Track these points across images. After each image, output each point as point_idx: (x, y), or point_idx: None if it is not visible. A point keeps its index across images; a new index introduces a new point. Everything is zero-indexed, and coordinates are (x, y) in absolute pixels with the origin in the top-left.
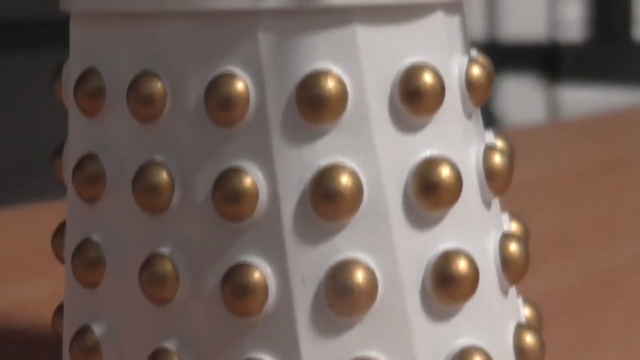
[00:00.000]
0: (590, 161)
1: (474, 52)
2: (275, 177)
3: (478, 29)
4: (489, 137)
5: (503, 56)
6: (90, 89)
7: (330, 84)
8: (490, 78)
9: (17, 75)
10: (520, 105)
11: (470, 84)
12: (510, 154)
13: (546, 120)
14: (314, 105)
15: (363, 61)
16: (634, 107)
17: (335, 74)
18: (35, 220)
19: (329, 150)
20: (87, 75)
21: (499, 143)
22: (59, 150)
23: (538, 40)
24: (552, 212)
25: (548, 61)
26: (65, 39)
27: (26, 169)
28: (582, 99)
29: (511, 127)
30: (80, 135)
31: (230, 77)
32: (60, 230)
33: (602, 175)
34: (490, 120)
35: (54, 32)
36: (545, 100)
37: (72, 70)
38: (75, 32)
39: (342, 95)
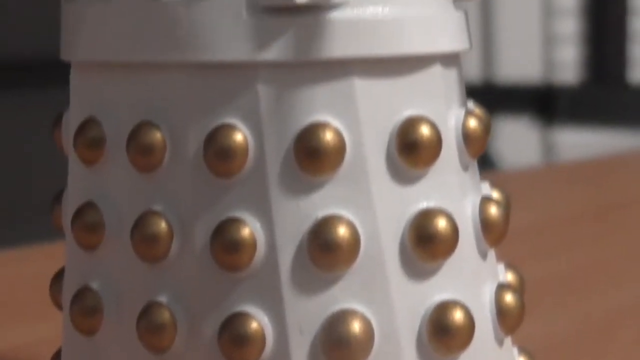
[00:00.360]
0: (585, 205)
1: (470, 104)
2: (273, 228)
3: (474, 70)
4: (485, 188)
5: (498, 98)
6: (90, 139)
7: (328, 136)
8: (487, 130)
9: (14, 116)
10: (515, 147)
11: (466, 137)
12: (507, 205)
13: (542, 162)
14: (312, 157)
15: (361, 113)
16: (628, 151)
17: (334, 126)
18: (35, 262)
19: (326, 201)
20: (87, 124)
21: (495, 194)
22: (58, 197)
23: (533, 82)
24: (547, 257)
25: (543, 103)
26: (64, 80)
27: (25, 210)
28: (578, 141)
29: (507, 170)
30: (80, 183)
31: (230, 128)
32: (58, 276)
33: (596, 219)
34: (486, 161)
35: (55, 73)
36: (540, 142)
37: (72, 119)
38: (76, 80)
39: (340, 148)
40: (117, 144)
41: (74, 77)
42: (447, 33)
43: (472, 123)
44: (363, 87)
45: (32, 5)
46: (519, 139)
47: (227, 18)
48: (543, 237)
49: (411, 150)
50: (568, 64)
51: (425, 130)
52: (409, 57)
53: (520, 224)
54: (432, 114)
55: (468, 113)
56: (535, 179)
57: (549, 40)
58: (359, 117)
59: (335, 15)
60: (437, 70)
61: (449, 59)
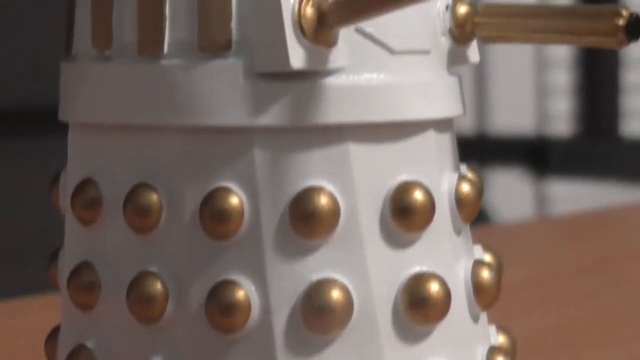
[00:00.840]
0: (579, 260)
1: (463, 168)
2: (267, 291)
3: (467, 122)
4: (478, 251)
5: (491, 150)
6: (88, 199)
7: (323, 201)
8: (480, 194)
9: (11, 163)
10: (508, 199)
11: (459, 201)
12: (499, 268)
13: (535, 214)
14: (307, 221)
15: (355, 178)
16: (621, 205)
17: (328, 190)
18: (31, 314)
19: (320, 265)
20: (85, 185)
21: (488, 257)
22: (54, 255)
23: (526, 134)
24: (541, 312)
25: (536, 155)
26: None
27: (22, 260)
28: (571, 193)
29: (500, 223)
30: (77, 243)
31: (226, 191)
32: (53, 334)
33: (590, 274)
34: (479, 214)
35: (52, 122)
36: (533, 194)
37: (69, 179)
38: (73, 141)
39: (335, 212)
40: (114, 204)
41: (72, 137)
42: (441, 99)
43: (465, 188)
44: (358, 152)
45: (31, 53)
46: (512, 191)
47: (225, 83)
48: (536, 292)
49: (405, 215)
50: (561, 117)
51: (418, 195)
52: (402, 123)
53: (513, 279)
54: (425, 179)
55: (461, 177)
56: (529, 233)
57: (541, 93)
58: (354, 182)
59: (331, 81)
60: (430, 135)
61: (443, 124)
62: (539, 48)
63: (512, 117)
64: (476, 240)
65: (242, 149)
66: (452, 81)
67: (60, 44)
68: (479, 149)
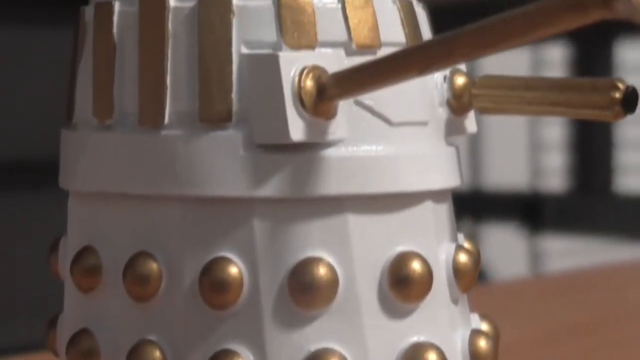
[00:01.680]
0: (574, 320)
1: (460, 237)
2: None
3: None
4: (475, 320)
5: (486, 205)
6: (87, 267)
7: (322, 272)
8: (477, 264)
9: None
10: (503, 254)
11: (457, 271)
12: (496, 337)
13: (529, 270)
14: (305, 292)
15: (354, 249)
16: (616, 263)
17: (327, 261)
18: None
19: (319, 335)
20: (85, 252)
21: (484, 326)
22: (53, 321)
23: (520, 189)
24: None
25: (530, 211)
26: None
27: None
28: (565, 248)
29: (494, 282)
30: (76, 310)
31: (225, 261)
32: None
33: (586, 334)
34: None
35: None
36: (527, 250)
37: (69, 246)
38: (74, 208)
39: (333, 283)
40: (114, 272)
41: (72, 205)
42: (439, 170)
43: (462, 258)
44: (356, 223)
45: (29, 106)
46: (506, 247)
47: (225, 154)
48: (531, 353)
49: (403, 285)
50: (555, 172)
51: (416, 266)
52: (401, 194)
53: (508, 339)
54: (423, 250)
55: (458, 247)
56: (524, 292)
57: (535, 148)
58: (352, 253)
59: (330, 152)
60: (428, 206)
61: (440, 195)
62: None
63: (506, 172)
64: (472, 300)
65: (242, 219)
66: (450, 152)
67: (60, 97)
68: (473, 205)
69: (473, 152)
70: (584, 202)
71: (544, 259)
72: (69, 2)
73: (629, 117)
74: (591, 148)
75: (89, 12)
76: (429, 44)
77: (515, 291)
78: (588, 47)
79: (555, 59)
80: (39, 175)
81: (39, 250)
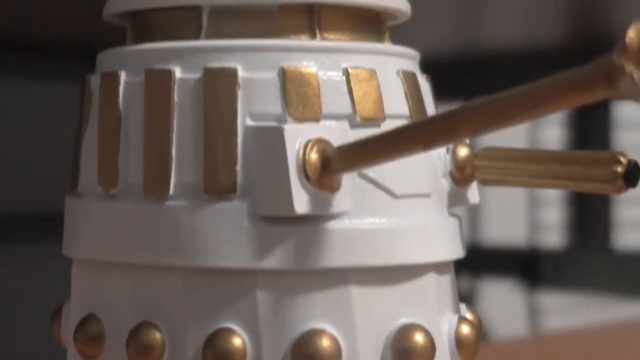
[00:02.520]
0: None
1: (462, 308)
2: None
3: None
4: None
5: (484, 261)
6: (90, 335)
7: (325, 344)
8: (479, 335)
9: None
10: (501, 311)
11: (459, 343)
12: None
13: (527, 326)
14: None
15: (357, 321)
16: (614, 322)
17: (330, 333)
18: None
19: None
20: (88, 320)
21: None
22: None
23: (518, 245)
24: None
25: (528, 266)
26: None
27: None
28: (563, 305)
29: (493, 341)
30: None
31: (228, 332)
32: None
33: None
34: None
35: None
36: (525, 306)
37: (72, 314)
38: (77, 276)
39: (336, 355)
40: (117, 341)
41: (75, 273)
42: (442, 243)
43: (465, 329)
44: (359, 295)
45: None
46: (504, 303)
47: (229, 225)
48: None
49: (405, 357)
50: (553, 227)
51: (419, 338)
52: (404, 267)
53: None
54: (425, 322)
55: (461, 319)
56: (522, 351)
57: (533, 203)
58: (355, 325)
59: (334, 225)
60: (431, 278)
61: (443, 267)
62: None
63: (504, 228)
64: None
65: (245, 290)
66: (452, 223)
67: (60, 152)
68: (471, 261)
69: (471, 207)
70: (583, 258)
71: (542, 315)
72: (73, 54)
73: None
74: (589, 203)
75: (94, 80)
76: (434, 119)
77: (513, 351)
78: (587, 105)
79: (552, 116)
80: (42, 230)
81: (42, 313)
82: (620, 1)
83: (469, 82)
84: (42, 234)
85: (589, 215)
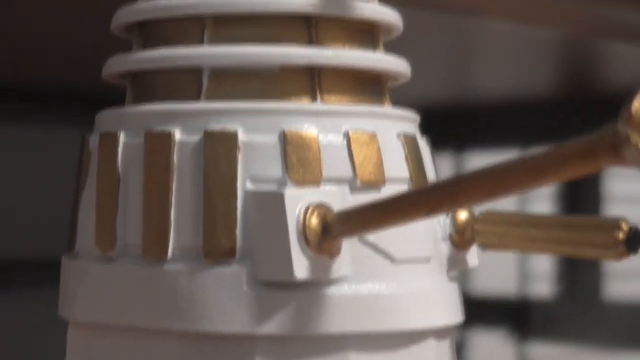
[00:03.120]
0: None
1: None
2: None
3: None
4: None
5: (474, 311)
6: None
7: None
8: None
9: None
10: None
11: None
12: None
13: None
14: None
15: None
16: None
17: None
18: None
19: None
20: None
21: None
22: None
23: (508, 295)
24: None
25: (518, 317)
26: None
27: None
28: (553, 355)
29: None
30: None
31: None
32: None
33: None
34: None
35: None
36: (515, 356)
37: None
38: (73, 338)
39: None
40: None
41: (71, 334)
42: (441, 308)
43: None
44: None
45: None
46: (494, 353)
47: (228, 290)
48: None
49: None
50: (543, 278)
51: None
52: (403, 333)
53: None
54: None
55: None
56: None
57: (523, 254)
58: None
59: (334, 290)
60: (431, 344)
61: (443, 332)
62: (520, 203)
63: (494, 277)
64: None
65: (244, 356)
66: (452, 288)
67: (59, 196)
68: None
69: None
70: (573, 309)
71: None
72: (73, 102)
73: None
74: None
75: (93, 140)
76: (437, 187)
77: None
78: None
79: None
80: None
81: None
82: (608, 54)
83: (460, 130)
84: (39, 281)
85: (579, 266)
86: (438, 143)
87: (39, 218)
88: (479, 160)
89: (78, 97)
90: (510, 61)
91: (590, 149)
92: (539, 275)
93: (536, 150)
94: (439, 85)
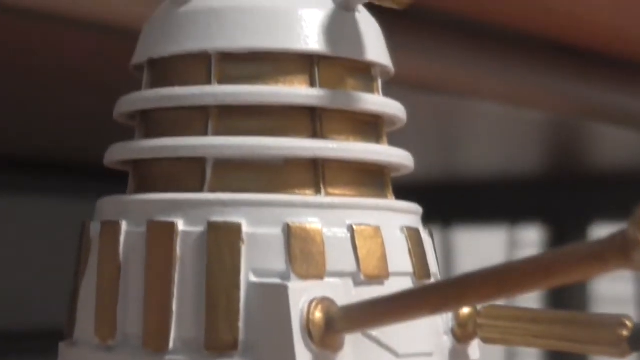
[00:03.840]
0: None
1: None
2: None
3: None
4: None
5: None
6: None
7: None
8: None
9: None
10: None
11: None
12: None
13: None
14: None
15: None
16: None
17: None
18: None
19: None
20: None
21: None
22: None
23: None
24: None
25: None
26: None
27: None
28: None
29: None
30: None
31: None
32: None
33: None
34: None
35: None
36: None
37: None
38: None
39: None
40: None
41: None
42: None
43: None
44: None
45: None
46: None
47: None
48: None
49: None
50: (530, 352)
51: None
52: None
53: None
54: None
55: None
56: None
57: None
58: None
59: None
60: None
61: None
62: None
63: (481, 353)
64: None
65: None
66: None
67: (59, 264)
68: None
69: None
70: None
71: None
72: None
73: (603, 298)
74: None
75: (94, 228)
76: (443, 285)
77: None
78: (563, 229)
79: (530, 240)
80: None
81: None
82: (594, 135)
83: (448, 206)
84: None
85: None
86: (427, 218)
87: (38, 289)
88: (466, 236)
89: (83, 166)
90: (499, 141)
91: (599, 252)
92: (526, 350)
93: (541, 255)
94: (429, 162)
